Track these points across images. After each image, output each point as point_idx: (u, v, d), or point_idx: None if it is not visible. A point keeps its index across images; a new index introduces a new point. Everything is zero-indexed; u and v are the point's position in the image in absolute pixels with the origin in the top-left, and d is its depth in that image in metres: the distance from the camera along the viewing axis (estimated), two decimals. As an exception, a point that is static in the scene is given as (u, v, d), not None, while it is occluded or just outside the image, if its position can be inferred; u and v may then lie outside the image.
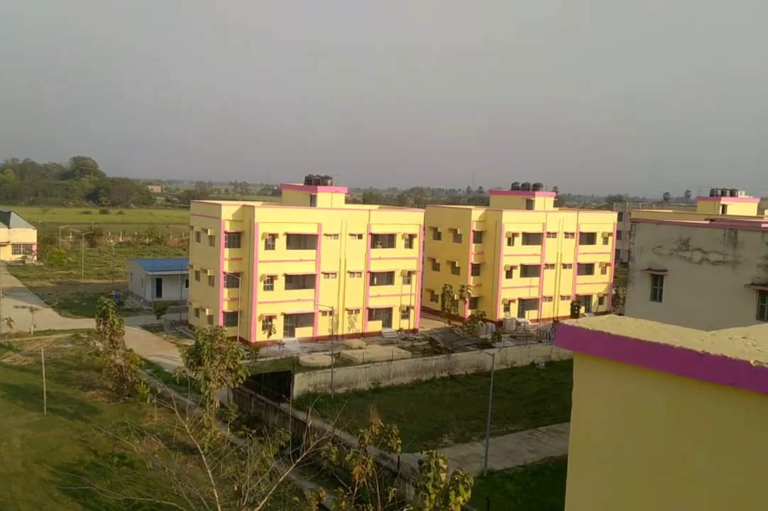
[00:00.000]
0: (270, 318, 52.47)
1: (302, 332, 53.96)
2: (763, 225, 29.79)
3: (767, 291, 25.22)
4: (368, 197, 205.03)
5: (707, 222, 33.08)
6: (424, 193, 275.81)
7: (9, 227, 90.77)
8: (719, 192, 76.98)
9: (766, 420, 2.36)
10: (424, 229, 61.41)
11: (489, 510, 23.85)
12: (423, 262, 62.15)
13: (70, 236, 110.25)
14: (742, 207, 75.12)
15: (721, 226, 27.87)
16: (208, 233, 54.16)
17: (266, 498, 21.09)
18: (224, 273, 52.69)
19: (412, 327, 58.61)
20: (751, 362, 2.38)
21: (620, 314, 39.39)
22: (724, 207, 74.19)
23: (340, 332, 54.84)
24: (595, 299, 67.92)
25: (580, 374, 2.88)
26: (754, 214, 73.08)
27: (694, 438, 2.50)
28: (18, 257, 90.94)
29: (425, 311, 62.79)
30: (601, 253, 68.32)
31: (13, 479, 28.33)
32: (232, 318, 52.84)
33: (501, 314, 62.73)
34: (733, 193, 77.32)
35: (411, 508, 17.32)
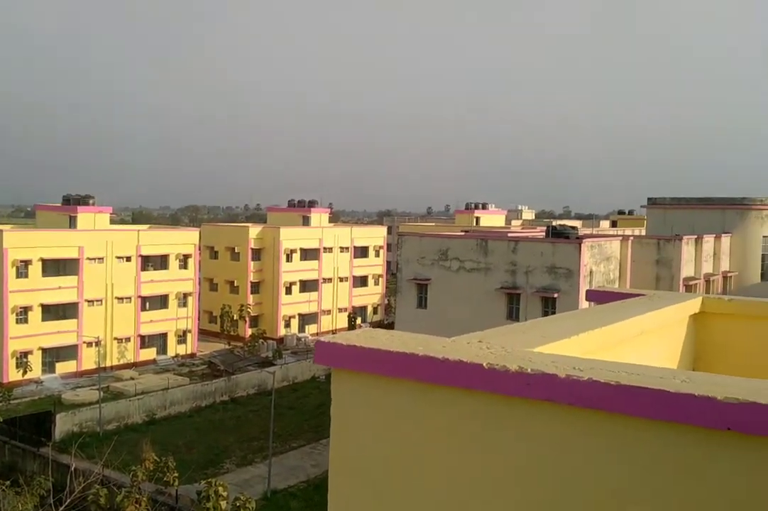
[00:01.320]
0: (25, 354, 46.98)
1: (64, 367, 49.07)
2: (509, 234, 33.33)
3: (514, 294, 28.29)
4: (138, 217, 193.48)
5: (462, 233, 36.21)
6: (199, 211, 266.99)
7: None
8: (473, 205, 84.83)
9: (500, 418, 2.51)
10: (199, 249, 59.40)
11: (276, 531, 23.48)
12: (200, 283, 60.01)
13: None
14: (492, 219, 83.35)
15: (474, 237, 30.69)
16: (-58, 262, 47.16)
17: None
18: (-35, 306, 46.19)
19: (189, 352, 56.17)
20: (484, 364, 2.53)
21: (391, 323, 41.15)
22: (477, 219, 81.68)
23: (108, 364, 50.80)
24: (370, 310, 70.78)
25: (338, 389, 2.87)
26: (503, 224, 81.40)
27: (444, 441, 2.60)
28: None
29: (204, 334, 60.57)
30: (374, 265, 71.57)
31: None
32: (-24, 357, 46.42)
33: (282, 331, 62.66)
34: (484, 207, 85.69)
35: (193, 543, 16.40)
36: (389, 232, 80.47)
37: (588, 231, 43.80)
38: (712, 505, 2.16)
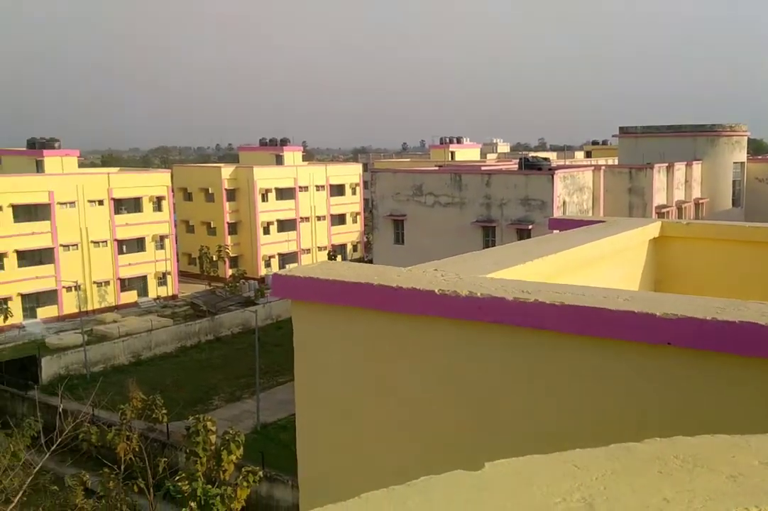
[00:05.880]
0: (4, 300, 46.84)
1: (46, 312, 49.12)
2: (483, 168, 33.24)
3: (489, 227, 28.47)
4: (108, 160, 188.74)
5: (436, 168, 35.95)
6: (170, 152, 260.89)
7: None
8: (448, 140, 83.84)
9: (455, 340, 2.60)
10: (173, 191, 58.62)
11: (264, 462, 24.33)
12: (176, 225, 59.53)
13: None
14: (467, 153, 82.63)
15: (448, 172, 30.52)
16: None
17: (21, 492, 19.27)
18: (-63, 255, 45.59)
19: (171, 293, 56.32)
20: (436, 290, 2.59)
21: (371, 259, 41.60)
22: (452, 154, 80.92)
23: (90, 307, 50.87)
24: (350, 247, 71.03)
25: (298, 320, 2.94)
26: (478, 158, 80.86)
27: (404, 366, 2.69)
28: None
29: (184, 276, 60.61)
30: (351, 203, 71.31)
31: None
32: (-45, 306, 46.22)
33: (262, 271, 62.84)
34: (459, 141, 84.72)
35: (183, 474, 17.01)
36: (365, 169, 79.65)
37: (562, 162, 43.73)
38: (649, 414, 2.29)
